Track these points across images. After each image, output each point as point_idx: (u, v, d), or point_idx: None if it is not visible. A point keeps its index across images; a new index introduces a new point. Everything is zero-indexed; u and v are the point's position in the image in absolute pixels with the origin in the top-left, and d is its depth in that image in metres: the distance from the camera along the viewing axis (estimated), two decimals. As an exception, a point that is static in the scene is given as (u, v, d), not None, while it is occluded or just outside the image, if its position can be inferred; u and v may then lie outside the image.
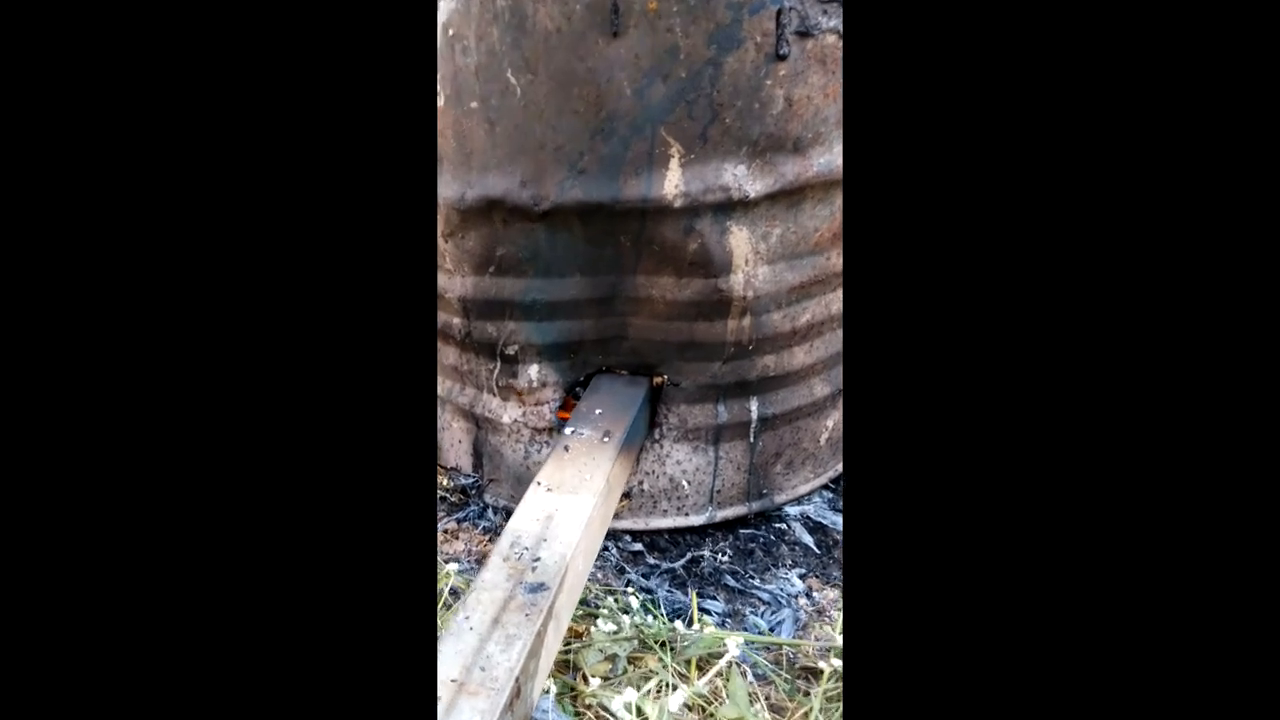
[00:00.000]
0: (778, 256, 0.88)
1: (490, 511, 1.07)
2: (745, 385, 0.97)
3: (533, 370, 0.97)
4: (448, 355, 1.04)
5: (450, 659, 0.59)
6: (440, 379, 1.09)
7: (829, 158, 0.84)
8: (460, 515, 1.07)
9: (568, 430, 0.88)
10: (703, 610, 0.89)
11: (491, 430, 1.04)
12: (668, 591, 0.93)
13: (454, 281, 0.94)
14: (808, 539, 1.05)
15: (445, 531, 1.05)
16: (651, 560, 0.99)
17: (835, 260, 0.94)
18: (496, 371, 0.99)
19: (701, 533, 1.05)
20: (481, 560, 0.99)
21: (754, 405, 0.99)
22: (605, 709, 0.70)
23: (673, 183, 0.81)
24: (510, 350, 0.96)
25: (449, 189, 0.86)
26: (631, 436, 0.90)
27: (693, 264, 0.86)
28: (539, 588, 0.66)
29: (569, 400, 1.00)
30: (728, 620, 0.90)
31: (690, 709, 0.73)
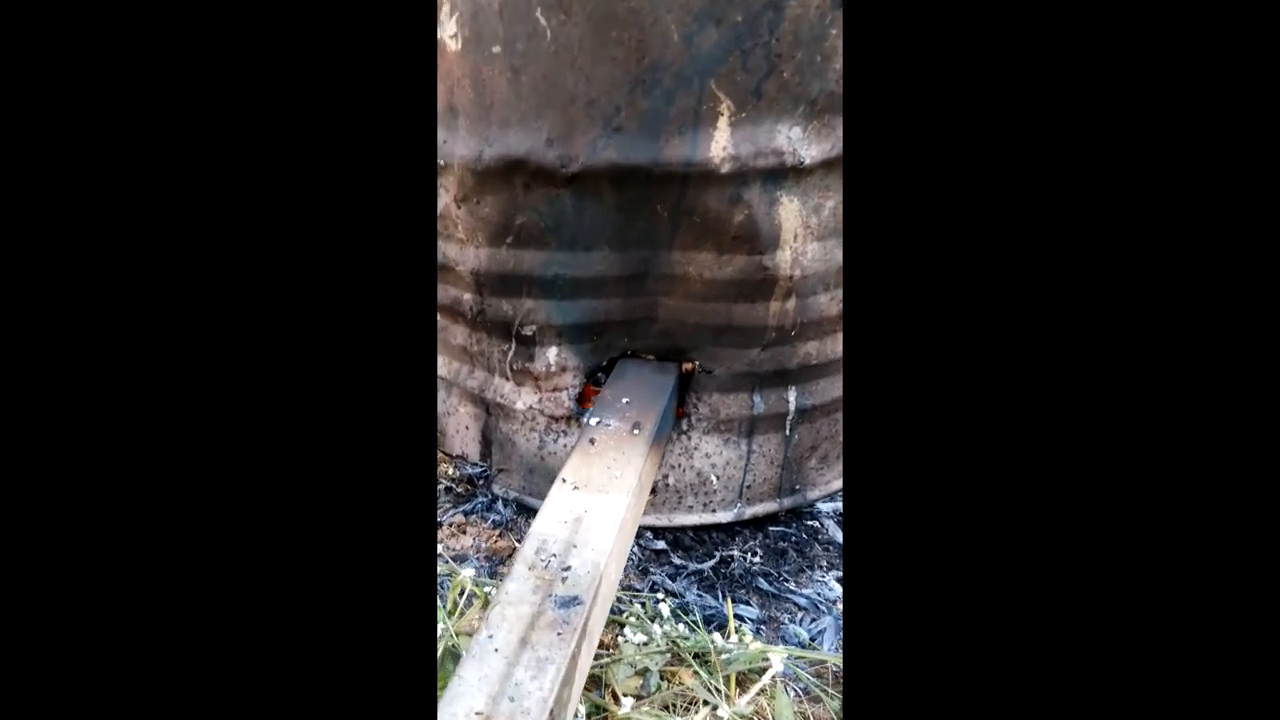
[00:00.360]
0: (829, 232, 0.80)
1: (500, 504, 0.99)
2: (784, 374, 0.88)
3: (551, 353, 0.88)
4: (455, 334, 0.95)
5: (474, 687, 0.51)
6: (445, 359, 1.00)
7: (891, 122, 0.75)
8: (467, 508, 0.99)
9: (592, 420, 0.80)
10: (736, 618, 0.82)
11: (503, 417, 0.95)
12: (697, 595, 0.85)
13: (466, 253, 0.85)
14: (840, 538, 0.97)
15: (452, 525, 0.96)
16: (677, 560, 0.91)
17: (887, 238, 0.86)
18: (511, 353, 0.90)
19: (729, 531, 0.97)
20: (493, 558, 0.90)
21: (792, 395, 0.91)
22: None
23: (720, 144, 0.71)
24: (527, 331, 0.87)
25: (464, 147, 0.77)
26: (662, 428, 0.82)
27: (737, 238, 0.77)
28: (571, 602, 0.57)
29: (589, 387, 0.91)
30: (763, 628, 0.82)
31: (732, 733, 0.65)
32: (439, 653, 0.69)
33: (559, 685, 0.52)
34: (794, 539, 0.97)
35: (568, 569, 0.60)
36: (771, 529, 0.98)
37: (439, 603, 0.78)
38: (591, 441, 0.76)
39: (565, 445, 0.92)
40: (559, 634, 0.55)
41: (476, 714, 0.49)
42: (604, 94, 0.70)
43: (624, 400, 0.83)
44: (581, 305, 0.84)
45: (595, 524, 0.65)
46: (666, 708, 0.67)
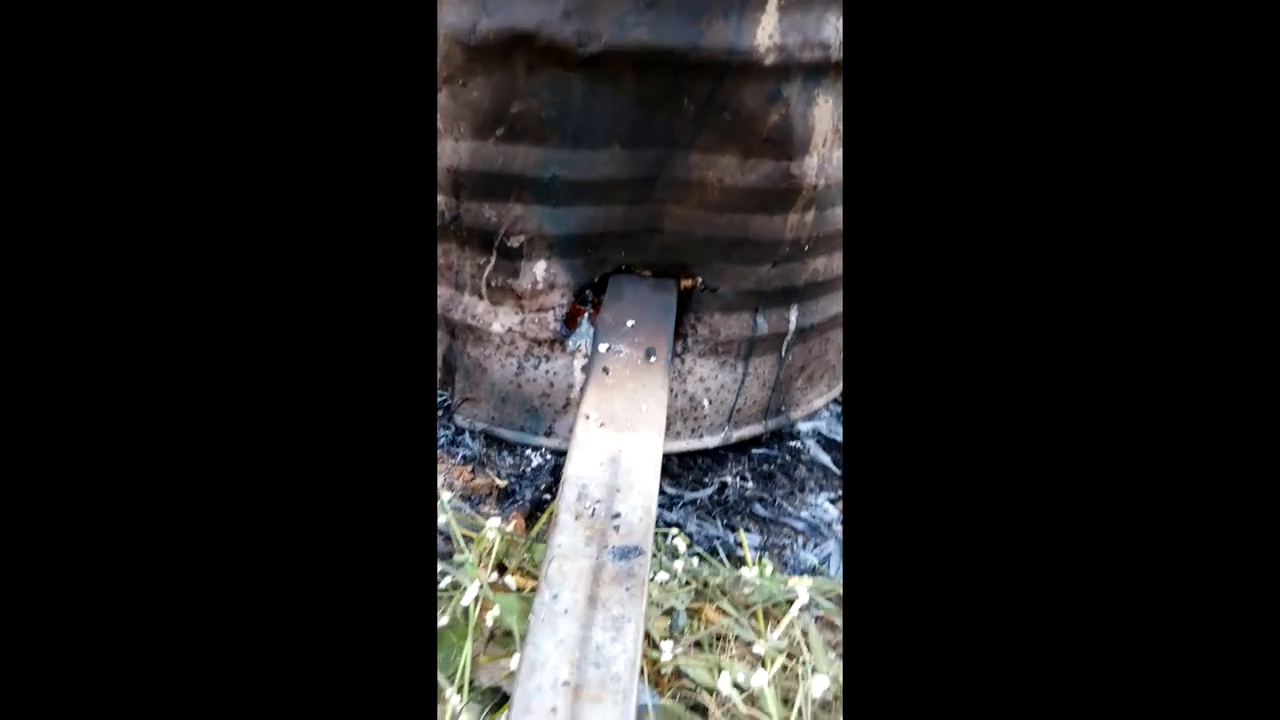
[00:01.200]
0: (858, 139, 0.73)
1: (468, 436, 0.89)
2: (790, 292, 0.83)
3: (539, 268, 0.77)
4: (415, 243, 0.82)
5: (553, 654, 0.44)
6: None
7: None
8: (430, 440, 0.88)
9: (602, 347, 0.71)
10: (738, 545, 0.79)
11: (473, 340, 0.84)
12: (697, 525, 0.82)
13: (443, 146, 0.71)
14: (825, 458, 0.96)
15: (415, 461, 0.86)
16: (670, 490, 0.86)
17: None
18: (490, 268, 0.78)
19: (714, 456, 0.94)
20: (472, 497, 0.82)
21: (794, 315, 0.86)
22: (692, 681, 0.59)
23: (767, 31, 0.62)
24: (513, 242, 0.75)
25: (454, 14, 0.62)
26: (671, 354, 0.75)
27: (767, 140, 0.69)
28: (632, 552, 0.51)
29: (575, 306, 0.82)
30: (765, 554, 0.80)
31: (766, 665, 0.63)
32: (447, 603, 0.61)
33: (640, 644, 0.46)
34: (779, 461, 0.95)
35: (617, 516, 0.54)
36: (755, 452, 0.96)
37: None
38: (605, 371, 0.68)
39: (546, 371, 0.83)
40: (628, 589, 0.48)
41: (564, 684, 0.42)
42: (641, -44, 0.58)
43: (629, 323, 0.75)
44: (579, 213, 0.73)
45: (634, 465, 0.58)
46: (698, 644, 0.63)
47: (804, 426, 1.01)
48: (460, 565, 0.63)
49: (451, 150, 0.71)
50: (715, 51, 0.62)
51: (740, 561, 0.76)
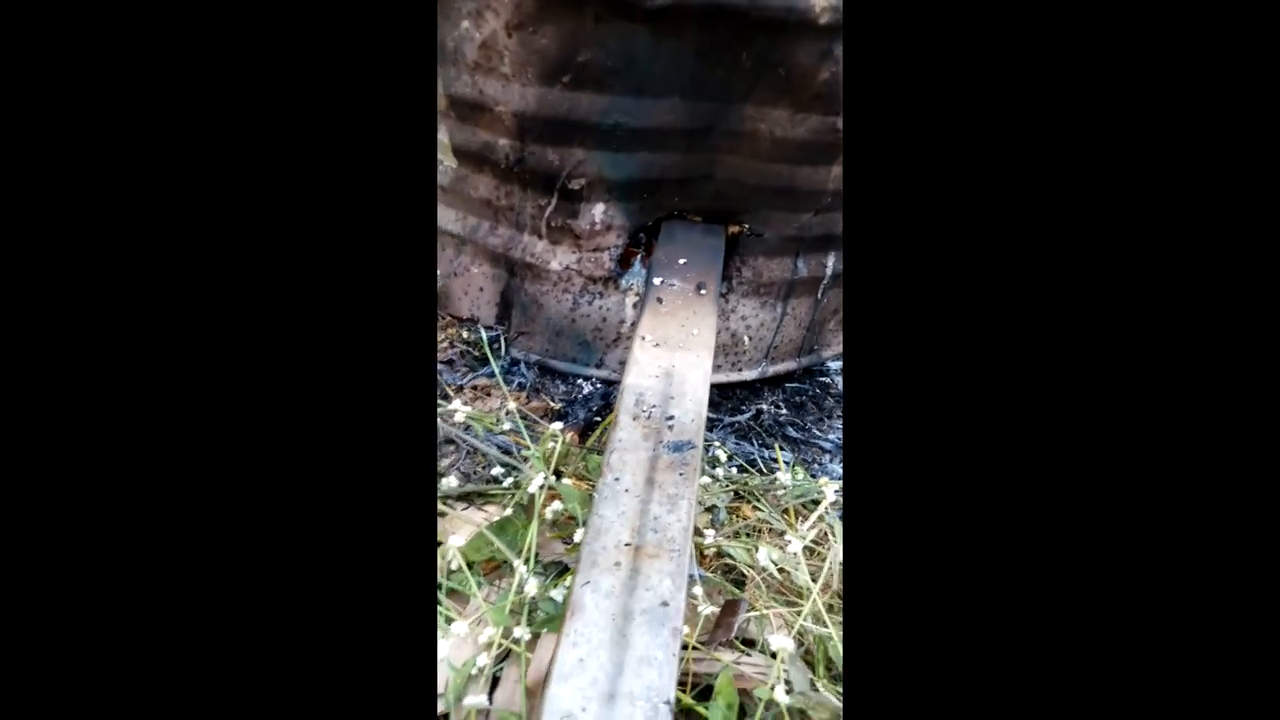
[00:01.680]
0: (901, 94, 0.78)
1: (522, 367, 0.97)
2: (829, 239, 0.89)
3: (598, 210, 0.84)
4: (478, 185, 0.89)
5: (614, 522, 0.52)
6: (459, 214, 0.93)
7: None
8: (487, 370, 0.97)
9: (656, 280, 0.78)
10: (774, 460, 0.87)
11: (531, 277, 0.91)
12: (735, 444, 0.89)
13: (510, 91, 0.77)
14: (851, 399, 1.03)
15: (475, 388, 0.94)
16: (710, 415, 0.94)
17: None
18: (550, 209, 0.85)
19: (750, 387, 1.01)
20: (526, 418, 0.90)
21: (831, 261, 0.92)
22: (733, 558, 0.67)
23: (823, -10, 0.67)
24: (575, 185, 0.82)
25: (531, -34, 0.68)
26: (720, 288, 0.82)
27: (817, 96, 0.74)
28: (684, 445, 0.59)
29: (629, 248, 0.89)
30: (797, 468, 0.88)
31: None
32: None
33: (693, 516, 0.54)
34: (809, 394, 1.02)
35: (671, 418, 0.61)
36: (788, 385, 1.03)
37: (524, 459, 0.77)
38: (660, 301, 0.75)
39: (600, 307, 0.91)
40: (680, 474, 0.56)
41: (625, 545, 0.50)
42: (711, -83, 0.63)
43: (680, 261, 0.82)
44: (639, 159, 0.80)
45: (686, 377, 0.66)
46: (736, 534, 0.71)
47: (833, 365, 1.08)
48: (525, 460, 0.71)
49: (518, 95, 0.77)
50: (774, 9, 0.67)
51: (775, 472, 0.84)
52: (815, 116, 0.76)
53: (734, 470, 0.81)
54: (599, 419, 0.90)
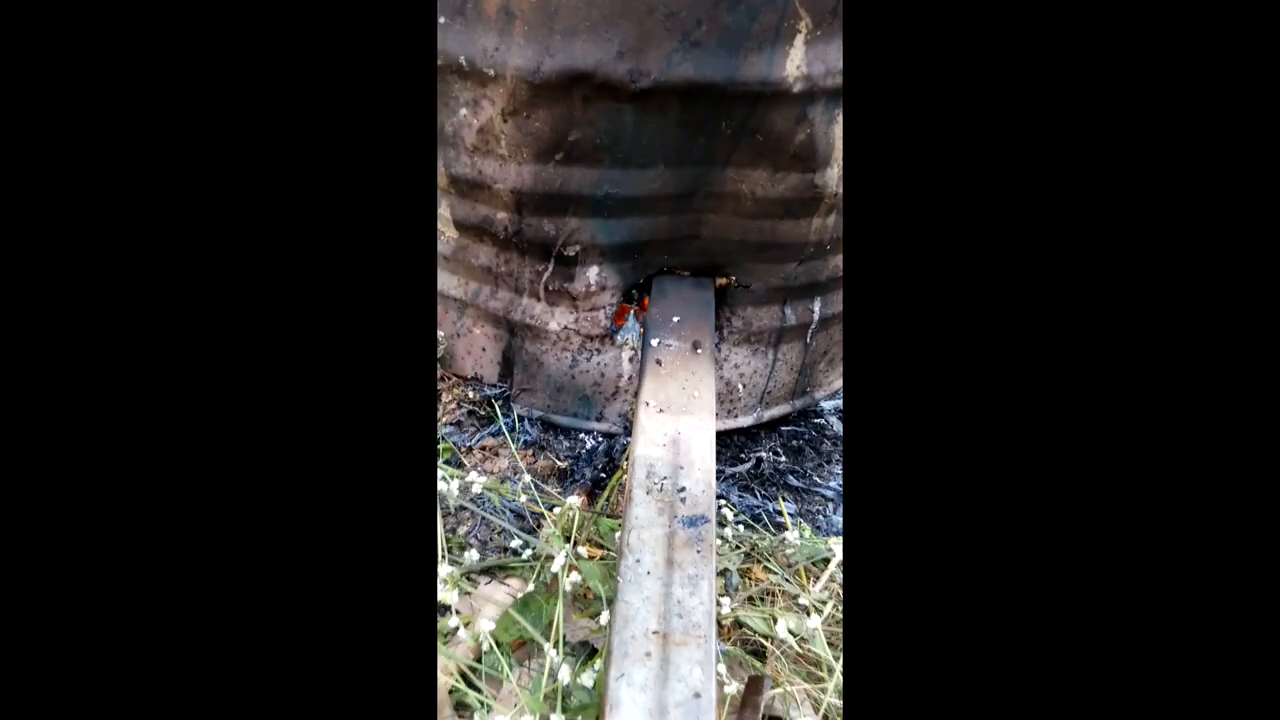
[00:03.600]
0: (874, 150, 0.82)
1: (526, 424, 0.99)
2: (814, 286, 0.93)
3: (592, 272, 0.87)
4: (479, 254, 0.92)
5: (640, 609, 0.54)
6: (461, 280, 0.96)
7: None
8: (494, 428, 0.99)
9: (653, 341, 0.81)
10: (778, 514, 0.89)
11: (531, 337, 0.94)
12: (739, 496, 0.92)
13: (506, 170, 0.81)
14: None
15: (483, 449, 0.96)
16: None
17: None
18: (548, 274, 0.88)
19: (748, 434, 1.03)
20: (544, 480, 0.92)
21: (817, 306, 0.95)
22: (751, 629, 0.69)
23: (795, 63, 0.71)
24: (570, 251, 0.85)
25: (519, 56, 0.72)
26: (714, 344, 0.85)
27: (795, 157, 0.78)
28: (698, 520, 0.61)
29: (622, 305, 0.92)
30: (800, 519, 0.90)
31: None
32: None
33: (714, 596, 0.56)
34: (806, 437, 1.05)
35: (682, 490, 0.64)
36: (784, 429, 1.05)
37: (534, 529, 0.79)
38: (659, 363, 0.78)
39: (598, 363, 0.93)
40: (699, 551, 0.59)
41: (654, 633, 0.53)
42: (686, 6, 0.67)
43: (674, 319, 0.85)
44: (628, 224, 0.83)
45: (693, 445, 0.68)
46: (751, 600, 0.73)
47: (826, 405, 1.11)
48: (546, 538, 0.73)
49: (515, 173, 0.80)
50: (750, 83, 0.71)
51: (781, 527, 0.87)
52: (794, 175, 0.79)
53: (741, 528, 0.83)
54: (605, 475, 0.92)
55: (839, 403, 1.12)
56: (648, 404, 0.72)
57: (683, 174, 0.79)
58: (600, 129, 0.75)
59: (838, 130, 0.78)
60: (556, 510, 0.81)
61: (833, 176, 0.81)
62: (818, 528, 0.89)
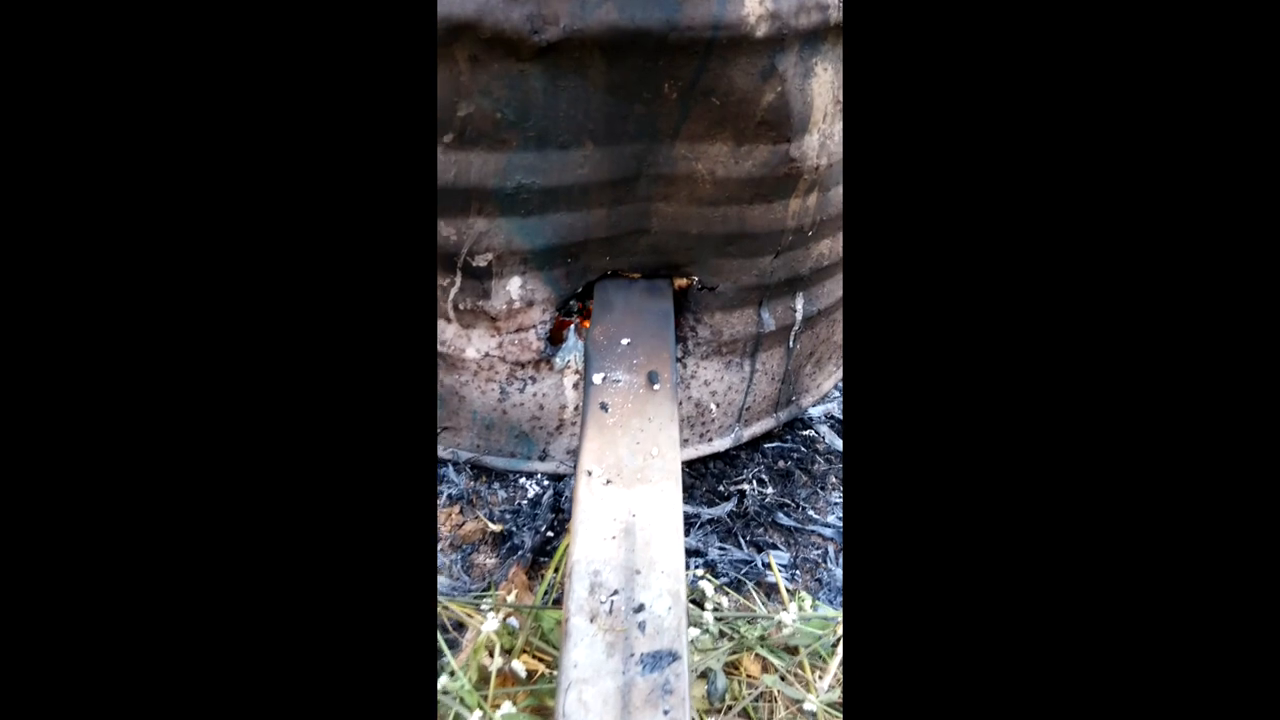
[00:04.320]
0: (866, 106, 0.63)
1: (452, 470, 0.81)
2: (795, 281, 0.74)
3: (513, 285, 0.68)
4: (367, 267, 0.71)
5: None
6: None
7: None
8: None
9: (596, 377, 0.62)
10: (768, 567, 0.72)
11: (445, 368, 0.75)
12: (719, 549, 0.75)
13: (382, 162, 0.60)
14: (840, 445, 0.89)
15: (399, 506, 0.77)
16: (686, 508, 0.79)
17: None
18: (455, 289, 0.68)
19: (726, 458, 0.86)
20: (463, 547, 0.74)
21: (799, 303, 0.77)
22: None
23: (757, -5, 0.51)
24: (479, 261, 0.65)
25: (373, 6, 0.51)
26: (676, 371, 0.66)
27: (763, 123, 0.59)
28: (664, 659, 0.44)
29: (559, 320, 0.73)
30: (797, 573, 0.74)
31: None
32: None
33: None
34: (795, 455, 0.88)
35: (641, 609, 0.46)
36: (768, 447, 0.88)
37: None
38: (604, 408, 0.60)
39: (534, 394, 0.75)
40: (666, 712, 0.41)
41: None
42: (598, -84, 0.46)
43: (624, 341, 0.66)
44: (554, 221, 0.63)
45: (654, 533, 0.50)
46: (746, 715, 0.57)
47: (815, 412, 0.94)
48: (455, 681, 0.55)
49: (394, 166, 0.60)
50: (697, 27, 0.51)
51: (772, 588, 0.70)
52: (763, 147, 0.60)
53: (724, 601, 0.66)
54: (553, 535, 0.74)
55: (830, 407, 0.95)
56: (590, 474, 0.54)
57: (618, 154, 0.60)
58: (499, 99, 0.55)
59: (816, 85, 0.58)
60: (486, 603, 0.63)
61: (812, 145, 0.62)
62: (819, 580, 0.73)
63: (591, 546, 0.49)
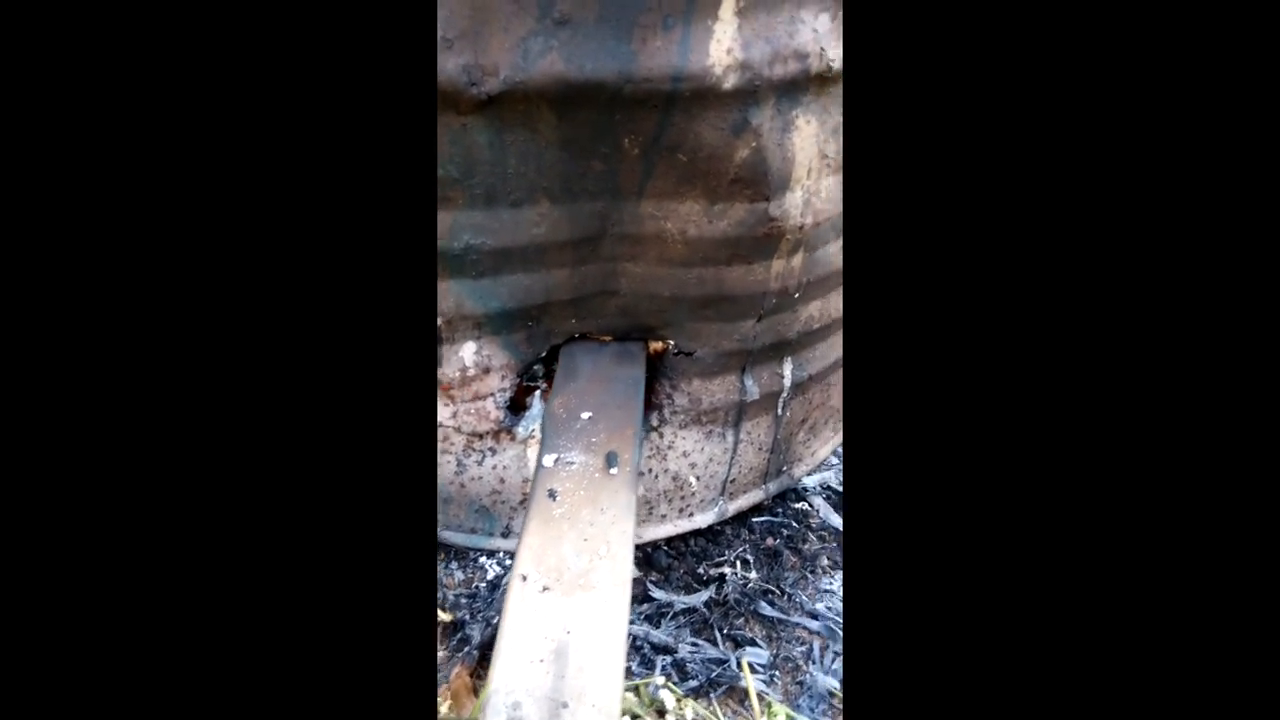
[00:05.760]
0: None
1: (411, 540, 0.74)
2: (782, 346, 0.68)
3: (467, 351, 0.62)
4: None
5: None
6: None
7: None
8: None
9: (547, 460, 0.56)
10: (740, 672, 0.65)
11: (402, 432, 0.69)
12: (690, 646, 0.67)
13: (320, 218, 0.55)
14: (836, 520, 0.82)
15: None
16: (657, 593, 0.72)
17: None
18: (406, 354, 0.63)
19: (709, 535, 0.79)
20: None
21: (788, 369, 0.70)
22: None
23: (723, 45, 0.46)
24: (429, 325, 0.60)
25: (295, 54, 0.46)
26: (640, 450, 0.60)
27: (738, 181, 0.53)
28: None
29: (521, 386, 0.67)
30: (776, 675, 0.66)
31: None
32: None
33: None
34: (785, 532, 0.80)
35: (569, 748, 0.39)
36: (756, 521, 0.81)
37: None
38: (551, 496, 0.53)
39: (494, 466, 0.68)
40: None
41: None
42: (537, -42, 0.41)
43: (584, 415, 0.60)
44: (508, 283, 0.58)
45: (588, 656, 0.43)
46: None
47: (810, 482, 0.87)
48: None
49: (332, 223, 0.55)
50: (655, 79, 0.46)
51: (744, 694, 0.62)
52: (739, 206, 0.54)
53: (687, 714, 0.58)
54: (507, 622, 0.67)
55: (826, 476, 0.87)
56: (524, 579, 0.47)
57: (578, 212, 0.54)
58: (440, 155, 0.50)
59: (798, 139, 0.53)
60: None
61: (794, 204, 0.56)
62: (800, 684, 0.65)
63: (514, 672, 0.42)
